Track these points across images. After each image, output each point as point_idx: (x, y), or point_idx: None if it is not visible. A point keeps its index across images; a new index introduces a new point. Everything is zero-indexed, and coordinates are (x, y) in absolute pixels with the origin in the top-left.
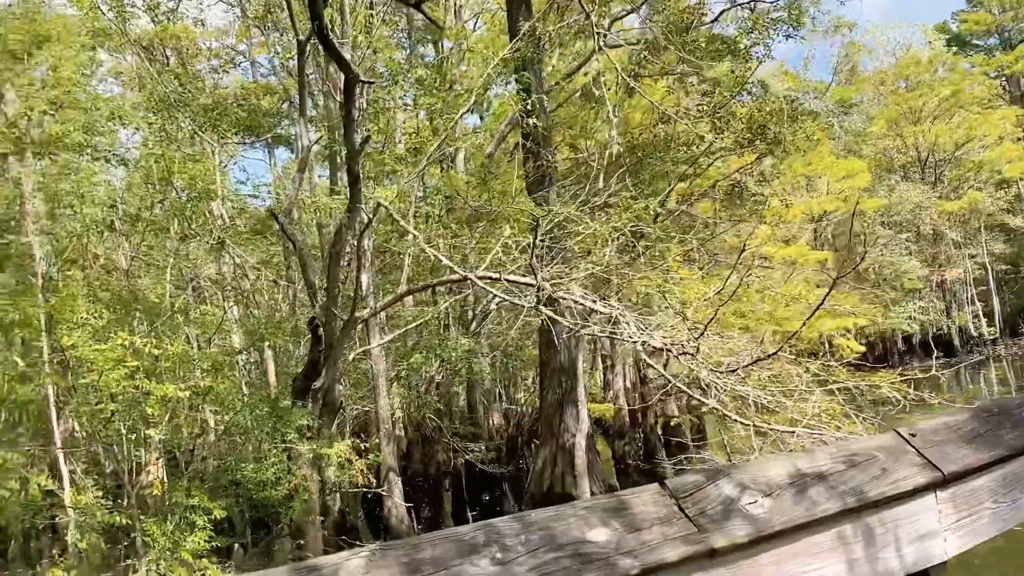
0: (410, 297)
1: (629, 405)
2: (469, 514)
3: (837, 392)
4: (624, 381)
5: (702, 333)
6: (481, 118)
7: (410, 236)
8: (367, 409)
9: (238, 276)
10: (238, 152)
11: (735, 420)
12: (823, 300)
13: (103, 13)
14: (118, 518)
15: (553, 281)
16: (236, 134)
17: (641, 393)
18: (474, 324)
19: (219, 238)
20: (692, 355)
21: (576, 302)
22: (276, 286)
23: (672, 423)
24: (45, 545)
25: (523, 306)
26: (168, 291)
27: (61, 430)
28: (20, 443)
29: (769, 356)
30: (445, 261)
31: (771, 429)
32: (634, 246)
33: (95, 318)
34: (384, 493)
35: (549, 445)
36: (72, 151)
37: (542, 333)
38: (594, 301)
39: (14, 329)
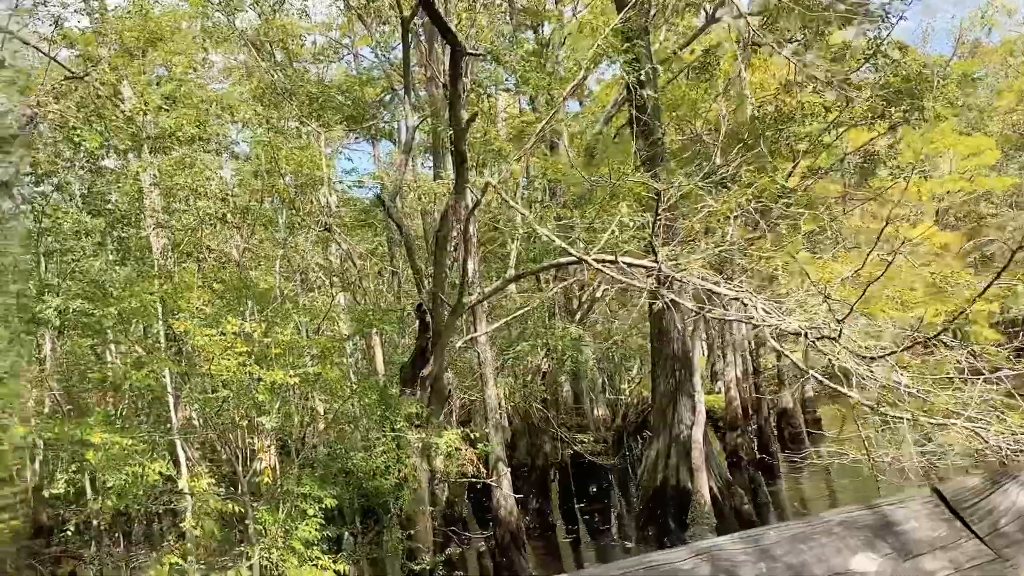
0: (512, 287)
1: (741, 396)
2: (576, 506)
3: (1005, 380)
4: (735, 370)
5: (848, 315)
6: (580, 103)
7: (518, 219)
8: (473, 398)
9: (345, 263)
10: (343, 139)
11: (882, 412)
12: (997, 277)
13: (212, 4)
14: (232, 506)
15: (674, 262)
16: (340, 122)
17: (755, 383)
18: (580, 312)
19: (327, 225)
20: (834, 339)
21: (700, 285)
22: (380, 276)
23: (787, 414)
24: (166, 527)
25: (641, 289)
26: (277, 281)
27: (179, 417)
28: (141, 429)
29: (928, 339)
30: (557, 242)
31: (929, 422)
32: (757, 223)
33: (207, 306)
34: (493, 484)
35: (663, 437)
36: (185, 145)
37: (654, 320)
38: (716, 283)
39: (133, 317)
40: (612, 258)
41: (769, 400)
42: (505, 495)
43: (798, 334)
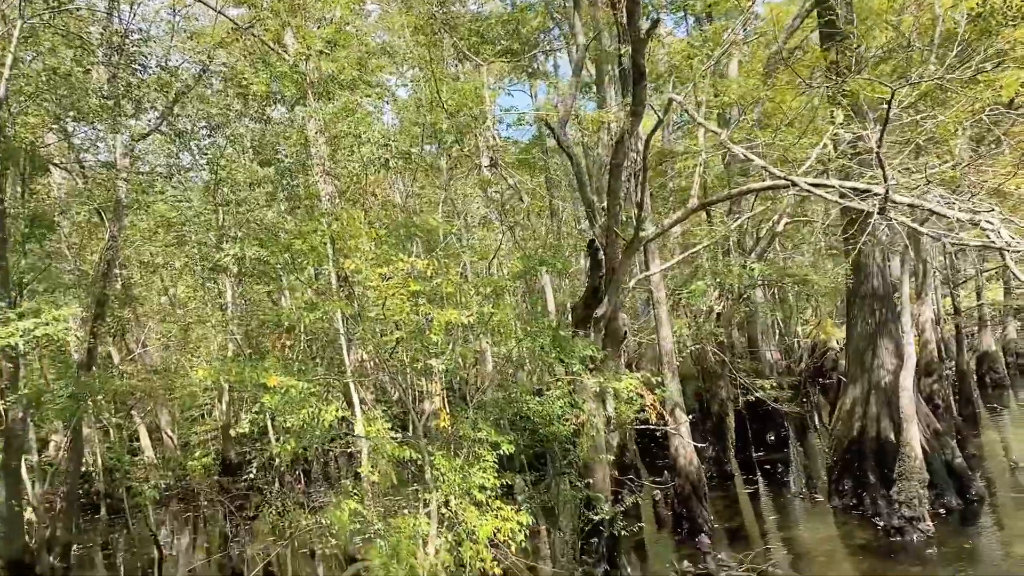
0: (678, 226)
1: (936, 338)
2: (754, 455)
3: None
4: (930, 310)
5: None
6: (744, 29)
7: (700, 140)
8: (640, 341)
9: (508, 202)
10: (503, 75)
11: None
12: None
13: None
14: (407, 452)
15: (906, 186)
16: (499, 56)
17: (956, 324)
18: (759, 248)
19: (493, 160)
20: None
21: (933, 209)
22: (539, 217)
23: (988, 358)
24: (343, 466)
25: (861, 215)
26: (441, 221)
27: (352, 359)
28: (316, 372)
29: None
30: (758, 162)
31: None
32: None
33: (376, 246)
34: (672, 431)
35: (860, 383)
36: (347, 89)
37: (848, 254)
38: (950, 205)
39: (304, 261)
40: (828, 181)
41: (968, 343)
42: (684, 443)
43: None
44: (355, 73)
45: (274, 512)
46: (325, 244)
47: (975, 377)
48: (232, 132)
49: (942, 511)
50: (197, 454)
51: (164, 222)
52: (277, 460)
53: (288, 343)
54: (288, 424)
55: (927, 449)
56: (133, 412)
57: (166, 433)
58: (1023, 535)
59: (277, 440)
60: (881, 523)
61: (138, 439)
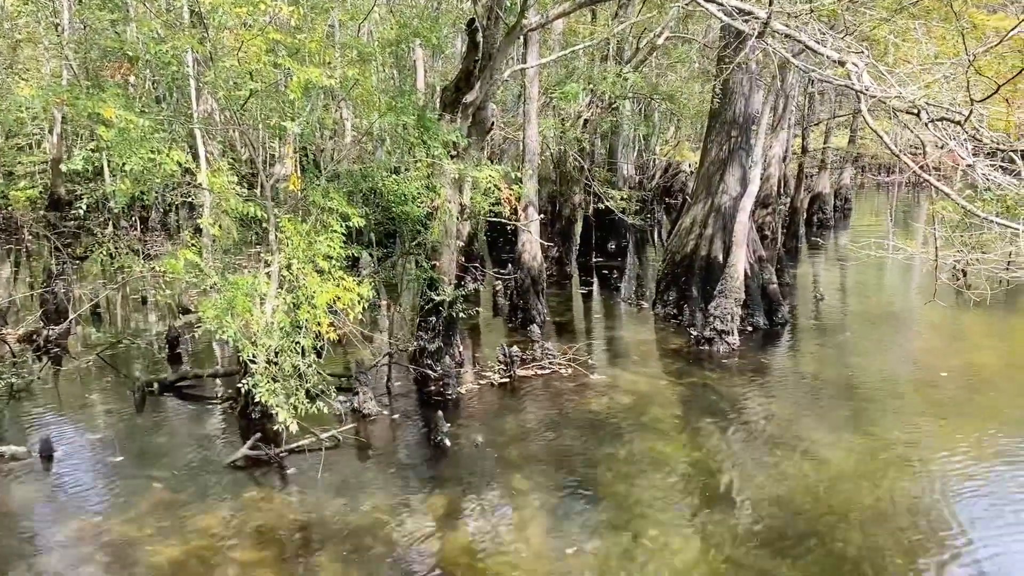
0: (560, 22)
1: (779, 173)
2: (594, 260)
3: None
4: (780, 147)
5: (989, 96)
6: None
7: None
8: (505, 136)
9: None
10: None
11: (991, 220)
12: None
13: None
14: (252, 209)
15: (790, 12)
16: None
17: (800, 163)
18: (635, 60)
19: None
20: (958, 124)
21: (805, 43)
22: None
23: (820, 199)
24: (183, 219)
25: (742, 36)
26: None
27: (199, 109)
28: (160, 116)
29: None
30: None
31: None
32: None
33: None
34: (522, 227)
35: (702, 204)
36: None
37: (720, 73)
38: (822, 43)
39: None
40: None
41: (806, 183)
42: (532, 239)
43: (912, 111)
44: None
45: (105, 254)
46: None
47: (805, 215)
48: None
49: (750, 329)
50: (22, 185)
51: None
52: (112, 202)
53: (130, 76)
54: (127, 166)
55: (748, 273)
56: None
57: None
58: (812, 356)
59: (113, 182)
60: (695, 333)
61: None
